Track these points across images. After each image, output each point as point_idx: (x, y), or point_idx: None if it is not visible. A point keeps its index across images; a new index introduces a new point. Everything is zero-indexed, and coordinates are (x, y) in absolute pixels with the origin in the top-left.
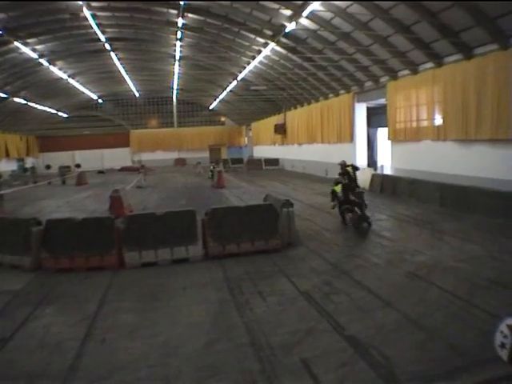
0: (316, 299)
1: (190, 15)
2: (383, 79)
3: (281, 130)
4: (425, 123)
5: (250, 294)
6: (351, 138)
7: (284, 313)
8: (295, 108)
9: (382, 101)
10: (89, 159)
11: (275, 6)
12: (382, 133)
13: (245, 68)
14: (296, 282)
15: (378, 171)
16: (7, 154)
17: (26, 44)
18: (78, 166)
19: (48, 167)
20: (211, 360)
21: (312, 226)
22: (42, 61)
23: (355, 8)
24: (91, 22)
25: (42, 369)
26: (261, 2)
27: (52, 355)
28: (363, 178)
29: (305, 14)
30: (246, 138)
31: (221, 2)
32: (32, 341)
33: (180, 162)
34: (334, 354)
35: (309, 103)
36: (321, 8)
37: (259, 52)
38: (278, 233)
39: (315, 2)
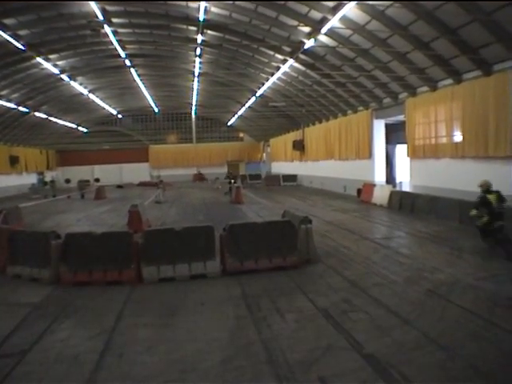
0: (334, 317)
1: (209, 32)
2: (402, 96)
3: (299, 146)
4: (443, 140)
5: (267, 311)
6: (370, 154)
7: (302, 330)
8: (314, 124)
9: (401, 117)
10: (108, 174)
11: (294, 22)
12: (401, 149)
13: (263, 84)
14: (314, 299)
15: (397, 188)
16: (27, 168)
17: (47, 60)
18: (97, 180)
19: (67, 181)
20: (228, 376)
21: (330, 243)
22: (63, 76)
23: (374, 25)
24: (112, 38)
25: (60, 382)
26: (280, 19)
27: (70, 368)
28: (382, 194)
29: (323, 30)
30: (264, 154)
31: (241, 16)
32: (50, 354)
33: (198, 177)
34: (353, 373)
35: (327, 120)
36: (339, 25)
37: (278, 68)
38: (296, 249)
39: (333, 19)
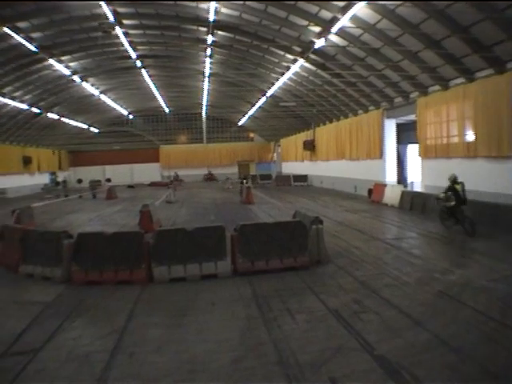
0: (345, 317)
1: (219, 32)
2: (413, 95)
3: (310, 146)
4: (455, 140)
5: (278, 311)
6: (380, 154)
7: (312, 330)
8: (324, 124)
9: (412, 117)
10: (119, 174)
11: (304, 22)
12: (412, 149)
13: (274, 84)
14: (325, 299)
15: (408, 188)
16: (40, 168)
17: (59, 61)
18: (108, 180)
19: (79, 181)
20: (238, 377)
21: (341, 243)
22: (75, 77)
23: (384, 24)
24: (123, 39)
25: (71, 380)
26: (290, 19)
27: (81, 367)
28: (393, 194)
29: (334, 30)
30: (274, 154)
31: (251, 16)
32: (62, 352)
33: (209, 177)
34: (364, 374)
35: (338, 119)
36: (350, 24)
37: (288, 68)
38: (306, 250)
39: (344, 18)
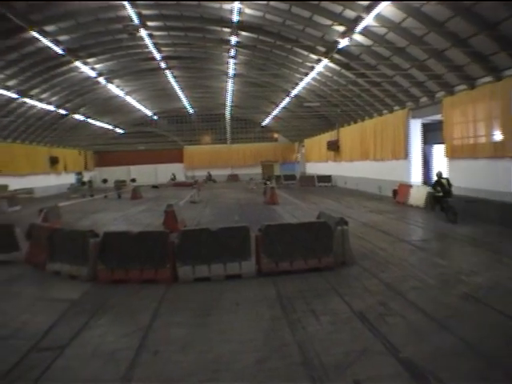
0: (370, 320)
1: (243, 33)
2: (439, 94)
3: (334, 146)
4: (482, 140)
5: (302, 313)
6: (406, 154)
7: (337, 332)
8: (349, 124)
9: (438, 117)
10: (143, 174)
11: (328, 22)
12: (438, 150)
13: (298, 84)
14: (349, 301)
15: None
16: (66, 168)
17: (85, 63)
18: (133, 180)
19: (105, 181)
20: (262, 377)
21: (366, 245)
22: (101, 79)
23: (409, 22)
24: (147, 41)
25: (96, 377)
26: (314, 19)
27: (106, 364)
28: (418, 195)
29: (358, 29)
30: (298, 155)
31: (275, 17)
32: (87, 349)
33: (233, 177)
34: (389, 378)
35: (362, 120)
36: (374, 23)
37: (312, 68)
38: (331, 251)
39: (368, 17)
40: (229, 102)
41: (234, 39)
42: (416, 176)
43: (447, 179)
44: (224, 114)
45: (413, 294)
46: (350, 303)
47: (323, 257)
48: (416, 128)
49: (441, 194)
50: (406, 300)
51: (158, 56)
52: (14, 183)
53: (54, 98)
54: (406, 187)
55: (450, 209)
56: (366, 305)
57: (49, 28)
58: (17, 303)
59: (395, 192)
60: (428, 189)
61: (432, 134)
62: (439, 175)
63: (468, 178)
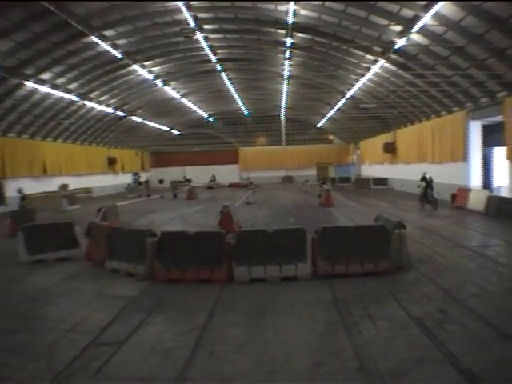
0: (428, 326)
1: (298, 34)
2: (500, 94)
3: (390, 148)
4: None
5: (359, 317)
6: (464, 157)
7: (394, 338)
8: (405, 126)
9: (499, 118)
10: (199, 175)
11: (385, 22)
12: (500, 152)
13: (353, 86)
14: (407, 307)
15: (494, 193)
16: (123, 168)
17: (142, 66)
18: (189, 181)
19: (161, 181)
20: (317, 381)
21: (423, 250)
22: (157, 82)
23: (469, 20)
24: (203, 44)
25: (153, 374)
26: (370, 19)
27: (162, 362)
28: (478, 200)
29: (415, 29)
30: (353, 157)
31: (330, 17)
32: (144, 346)
33: (287, 179)
34: None
35: (420, 121)
36: (432, 22)
37: (368, 69)
38: (388, 255)
39: (426, 16)
40: (284, 104)
41: (289, 41)
42: (475, 179)
43: (430, 177)
44: (279, 115)
45: (472, 301)
46: (407, 309)
47: (380, 261)
48: (475, 129)
49: (423, 188)
50: (466, 307)
51: (213, 58)
52: (74, 183)
53: (112, 101)
54: (464, 191)
55: (432, 199)
56: (423, 311)
57: (108, 33)
58: (77, 299)
59: (454, 196)
60: (487, 192)
61: (493, 135)
62: (424, 173)
63: None
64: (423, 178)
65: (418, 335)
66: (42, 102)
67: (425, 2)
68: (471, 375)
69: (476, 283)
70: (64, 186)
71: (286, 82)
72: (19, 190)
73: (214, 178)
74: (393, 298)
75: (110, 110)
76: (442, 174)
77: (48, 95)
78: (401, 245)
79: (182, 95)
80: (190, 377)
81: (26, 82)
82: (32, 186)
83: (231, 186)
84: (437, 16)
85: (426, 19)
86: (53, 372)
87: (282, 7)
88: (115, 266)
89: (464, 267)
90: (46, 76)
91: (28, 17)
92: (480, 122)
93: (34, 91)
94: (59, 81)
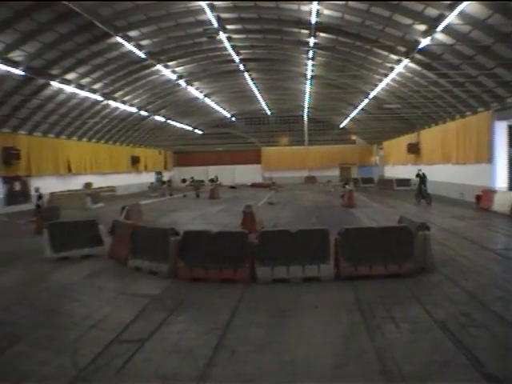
0: (452, 330)
1: (321, 34)
2: None
3: (414, 149)
4: None
5: (381, 319)
6: (489, 158)
7: (417, 341)
8: (429, 127)
9: None
10: (221, 174)
11: (409, 21)
12: None
13: (377, 86)
14: (430, 310)
15: None
16: (146, 168)
17: (166, 67)
18: (211, 180)
19: (183, 181)
20: (340, 383)
21: (447, 251)
22: (181, 82)
23: (496, 19)
24: (226, 44)
25: (175, 373)
26: (393, 18)
27: (184, 360)
28: (503, 201)
29: (440, 28)
30: (376, 157)
31: (354, 17)
32: (167, 344)
33: (310, 179)
34: None
35: (444, 121)
36: (457, 21)
37: (392, 69)
38: (412, 257)
39: (451, 15)
40: (306, 104)
41: (312, 41)
42: (501, 181)
43: (424, 174)
44: (302, 115)
45: (498, 305)
46: (430, 312)
47: (403, 262)
48: (501, 130)
49: (419, 184)
50: (491, 311)
51: (236, 58)
52: (98, 181)
53: (136, 100)
54: (490, 193)
55: (426, 195)
56: (447, 314)
57: (132, 33)
58: (100, 296)
59: (478, 197)
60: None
61: None
62: (418, 171)
63: None
64: (418, 176)
65: (442, 338)
66: (67, 101)
67: (449, 2)
68: (496, 381)
69: (501, 286)
70: (88, 185)
71: (308, 82)
72: (36, 189)
73: (216, 179)
74: (416, 301)
75: (133, 109)
76: (467, 175)
77: (73, 95)
78: (425, 246)
79: (205, 95)
80: (212, 376)
81: (52, 82)
82: (57, 185)
83: (254, 185)
84: (462, 15)
85: (451, 18)
86: (77, 368)
87: (305, 7)
88: (138, 264)
89: (489, 270)
90: (71, 76)
91: (54, 18)
92: (506, 122)
93: (59, 91)
94: (84, 81)
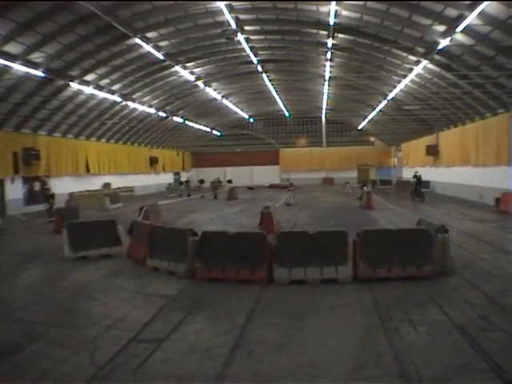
0: (471, 334)
1: (339, 35)
2: None
3: (433, 151)
4: None
5: (399, 322)
6: (508, 160)
7: (436, 345)
8: (448, 128)
9: None
10: (239, 175)
11: (428, 22)
12: None
13: (395, 87)
14: (449, 313)
15: None
16: (164, 168)
17: (184, 68)
18: (229, 181)
19: (201, 182)
20: None
21: (466, 255)
22: (199, 83)
23: None
24: (245, 45)
25: (192, 372)
26: (412, 19)
27: (202, 360)
28: None
29: (460, 28)
30: (394, 159)
31: (372, 18)
32: (184, 344)
33: (328, 181)
34: None
35: (463, 123)
36: (477, 22)
37: (411, 70)
38: (431, 259)
39: (471, 15)
40: (324, 105)
41: (330, 42)
42: None
43: (420, 175)
44: (320, 116)
45: None
46: (449, 315)
47: (422, 265)
48: None
49: (415, 181)
50: (510, 315)
51: (254, 59)
52: (117, 181)
53: (154, 101)
54: (509, 195)
55: (421, 194)
56: (466, 318)
57: (150, 34)
58: (118, 296)
59: (498, 200)
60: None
61: None
62: (414, 172)
63: None
64: (415, 176)
65: (461, 342)
66: (86, 102)
67: (469, 2)
68: None
69: None
70: (107, 185)
71: (327, 83)
72: (47, 188)
73: (218, 180)
74: (435, 304)
75: (152, 110)
76: (486, 178)
77: (92, 96)
78: (444, 249)
79: (223, 96)
80: (229, 376)
81: (72, 84)
82: (76, 185)
83: (271, 187)
84: (482, 15)
85: (471, 18)
86: (95, 366)
87: (323, 8)
88: (156, 264)
89: (509, 274)
90: (90, 77)
91: (74, 20)
92: None
93: (78, 92)
94: (103, 82)
